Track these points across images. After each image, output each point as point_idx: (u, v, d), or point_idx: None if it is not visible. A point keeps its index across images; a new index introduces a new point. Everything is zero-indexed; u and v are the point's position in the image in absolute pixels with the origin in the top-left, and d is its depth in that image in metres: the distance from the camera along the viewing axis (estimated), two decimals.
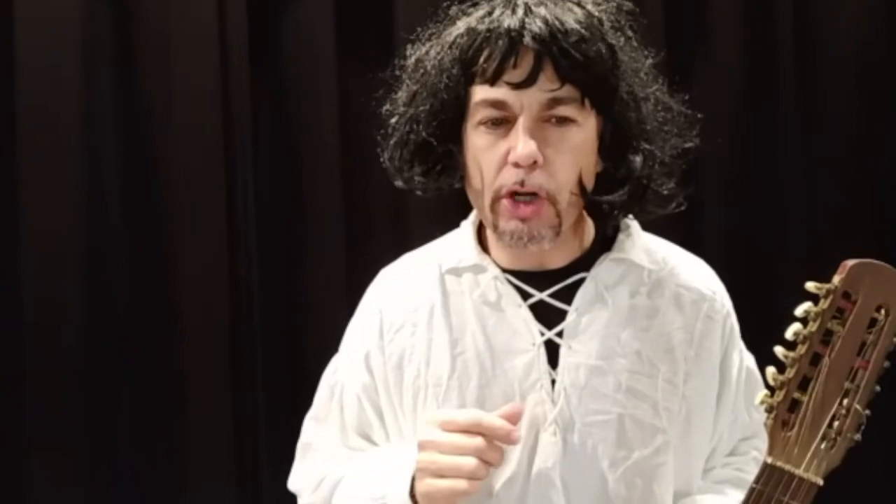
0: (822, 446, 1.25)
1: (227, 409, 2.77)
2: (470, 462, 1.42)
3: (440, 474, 1.44)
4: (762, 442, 1.56)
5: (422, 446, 1.47)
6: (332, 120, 2.80)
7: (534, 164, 1.44)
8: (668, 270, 1.60)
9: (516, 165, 1.45)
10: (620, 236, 1.60)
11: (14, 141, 2.71)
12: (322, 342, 1.79)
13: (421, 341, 1.58)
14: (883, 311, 1.25)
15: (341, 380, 1.67)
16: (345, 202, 2.82)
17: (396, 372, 1.59)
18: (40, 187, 2.72)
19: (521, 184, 1.46)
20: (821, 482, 1.25)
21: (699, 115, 1.59)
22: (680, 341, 1.56)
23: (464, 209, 1.63)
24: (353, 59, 2.79)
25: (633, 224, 1.62)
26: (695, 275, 1.62)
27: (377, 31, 2.79)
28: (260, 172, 2.83)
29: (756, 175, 2.94)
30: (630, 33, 1.55)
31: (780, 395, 1.26)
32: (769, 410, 1.26)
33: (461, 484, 1.42)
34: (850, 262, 1.26)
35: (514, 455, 1.50)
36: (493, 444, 1.44)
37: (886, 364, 1.25)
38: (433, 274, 1.61)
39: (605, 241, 1.61)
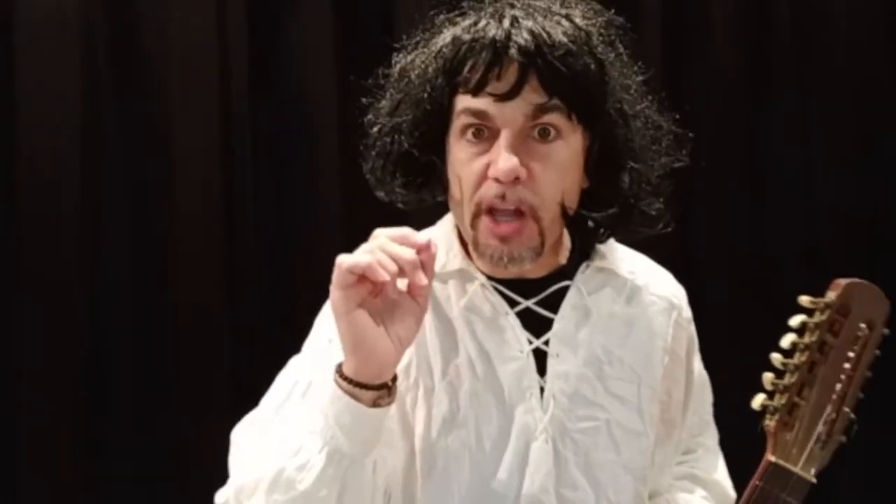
0: (815, 447, 1.38)
1: (224, 408, 2.77)
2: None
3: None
4: (708, 438, 1.74)
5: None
6: (332, 120, 2.84)
7: (516, 181, 1.42)
8: (641, 280, 1.63)
9: (497, 181, 1.43)
10: (599, 245, 1.60)
11: (14, 140, 2.73)
12: None
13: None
14: (867, 327, 1.40)
15: (306, 380, 1.54)
16: (344, 202, 2.85)
17: None
18: (39, 189, 2.73)
19: (503, 197, 1.44)
20: (814, 480, 1.38)
21: (690, 134, 1.59)
22: (656, 348, 1.60)
23: None
24: (354, 59, 2.83)
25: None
26: (664, 284, 1.67)
27: (377, 32, 2.83)
28: (259, 173, 2.86)
29: (755, 178, 3.01)
30: (621, 49, 1.53)
31: (782, 399, 1.39)
32: (772, 413, 1.39)
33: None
34: (844, 281, 1.41)
35: (505, 466, 1.49)
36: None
37: (868, 374, 1.41)
38: None
39: (582, 250, 1.61)
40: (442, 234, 1.60)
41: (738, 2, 3.02)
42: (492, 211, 1.46)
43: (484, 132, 1.46)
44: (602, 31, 1.51)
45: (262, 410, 1.56)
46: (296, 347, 2.79)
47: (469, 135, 1.47)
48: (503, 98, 1.43)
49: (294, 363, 1.62)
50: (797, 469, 1.38)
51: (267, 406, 1.56)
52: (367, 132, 1.60)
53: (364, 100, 1.61)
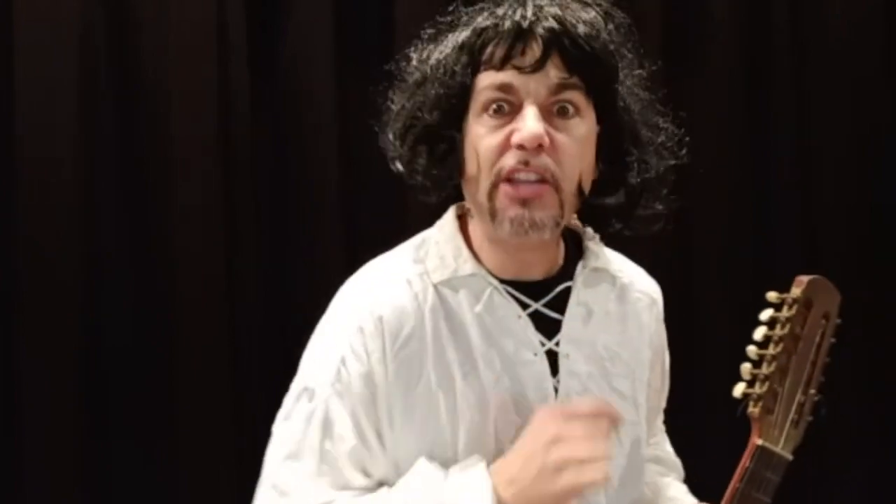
0: (790, 427, 1.53)
1: (224, 408, 2.83)
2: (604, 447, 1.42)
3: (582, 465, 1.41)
4: (661, 420, 1.86)
5: (555, 439, 1.42)
6: (331, 122, 2.86)
7: (539, 147, 1.44)
8: (627, 278, 1.69)
9: (520, 148, 1.45)
10: (590, 245, 1.64)
11: (14, 139, 2.74)
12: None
13: (429, 353, 1.53)
14: (824, 318, 1.56)
15: (324, 405, 1.53)
16: (344, 202, 2.88)
17: (404, 383, 1.52)
18: (39, 187, 2.75)
19: (525, 163, 1.45)
20: (791, 458, 1.53)
21: (687, 137, 1.62)
22: (643, 342, 1.68)
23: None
24: (353, 61, 2.87)
25: (594, 234, 1.67)
26: (645, 281, 1.73)
27: (377, 32, 2.88)
28: (259, 172, 2.88)
29: (755, 178, 3.02)
30: (629, 46, 1.57)
31: (764, 387, 1.53)
32: (755, 400, 1.53)
33: (603, 471, 1.41)
34: (805, 278, 1.55)
35: None
36: None
37: (827, 359, 1.56)
38: (426, 283, 1.56)
39: (574, 251, 1.65)
40: (445, 240, 1.61)
41: (737, 3, 3.03)
42: (511, 180, 1.48)
43: (505, 108, 1.49)
44: (616, 24, 1.56)
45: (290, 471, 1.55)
46: (294, 347, 2.81)
47: (490, 111, 1.49)
48: (528, 71, 1.46)
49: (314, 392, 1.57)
50: (778, 449, 1.52)
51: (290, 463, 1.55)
52: (378, 116, 1.64)
53: (380, 86, 1.65)
